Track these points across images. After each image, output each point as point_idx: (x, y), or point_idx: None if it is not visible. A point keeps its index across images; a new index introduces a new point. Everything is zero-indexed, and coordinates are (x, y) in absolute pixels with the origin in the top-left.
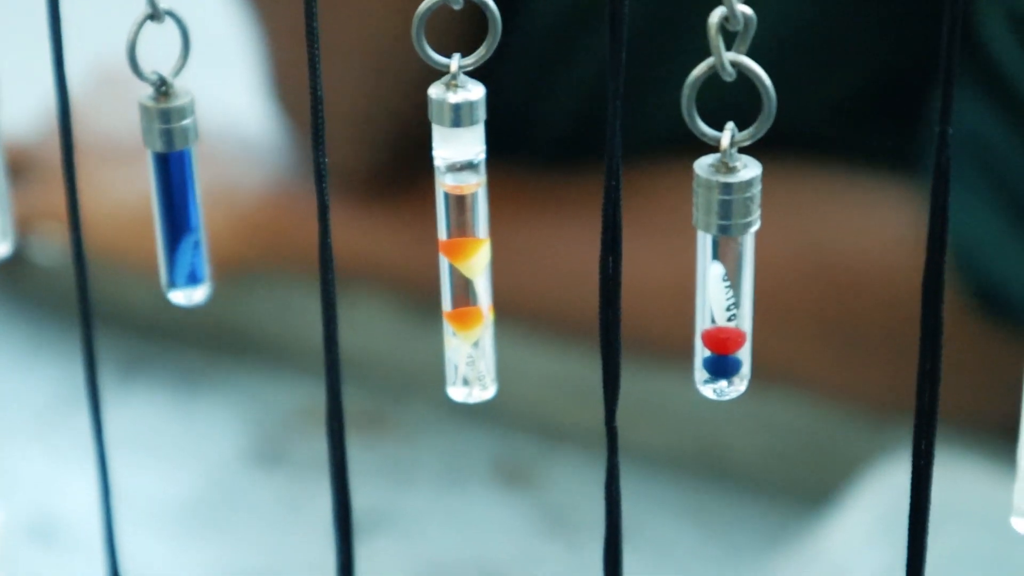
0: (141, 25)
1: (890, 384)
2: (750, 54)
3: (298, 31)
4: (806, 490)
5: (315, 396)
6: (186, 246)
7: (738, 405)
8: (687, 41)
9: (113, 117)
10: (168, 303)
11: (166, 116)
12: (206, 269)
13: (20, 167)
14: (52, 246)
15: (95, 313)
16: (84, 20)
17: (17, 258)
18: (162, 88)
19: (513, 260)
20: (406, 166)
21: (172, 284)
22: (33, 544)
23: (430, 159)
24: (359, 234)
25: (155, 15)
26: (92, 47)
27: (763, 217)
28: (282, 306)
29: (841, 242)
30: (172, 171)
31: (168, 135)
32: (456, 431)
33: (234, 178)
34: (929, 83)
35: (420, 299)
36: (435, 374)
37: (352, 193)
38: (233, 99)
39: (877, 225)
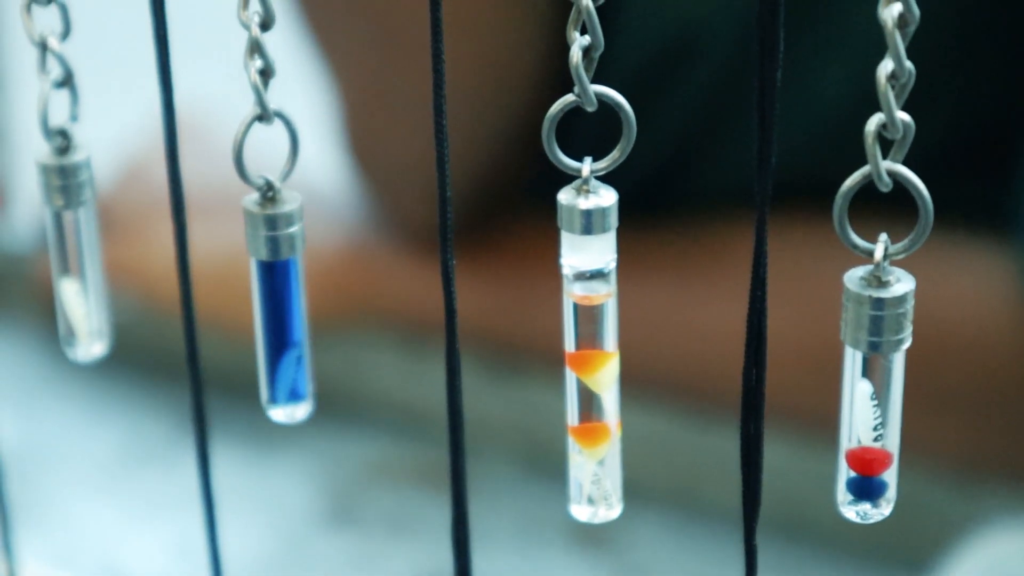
0: (249, 126)
1: (987, 449)
2: (828, 101)
3: (371, 86)
4: (901, 558)
5: (387, 452)
6: (288, 361)
7: (826, 467)
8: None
9: (186, 169)
10: (239, 358)
11: (272, 223)
12: (309, 385)
13: None
14: (122, 300)
15: (165, 367)
16: (149, 71)
17: None
18: (268, 193)
19: None
20: (483, 220)
21: (272, 401)
22: None
23: (506, 212)
24: (432, 288)
25: (264, 116)
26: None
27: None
28: (354, 361)
29: (933, 302)
30: (276, 281)
31: (274, 243)
32: (533, 489)
33: (307, 234)
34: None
35: (498, 354)
36: (512, 431)
37: (425, 247)
38: (305, 153)
39: (971, 284)
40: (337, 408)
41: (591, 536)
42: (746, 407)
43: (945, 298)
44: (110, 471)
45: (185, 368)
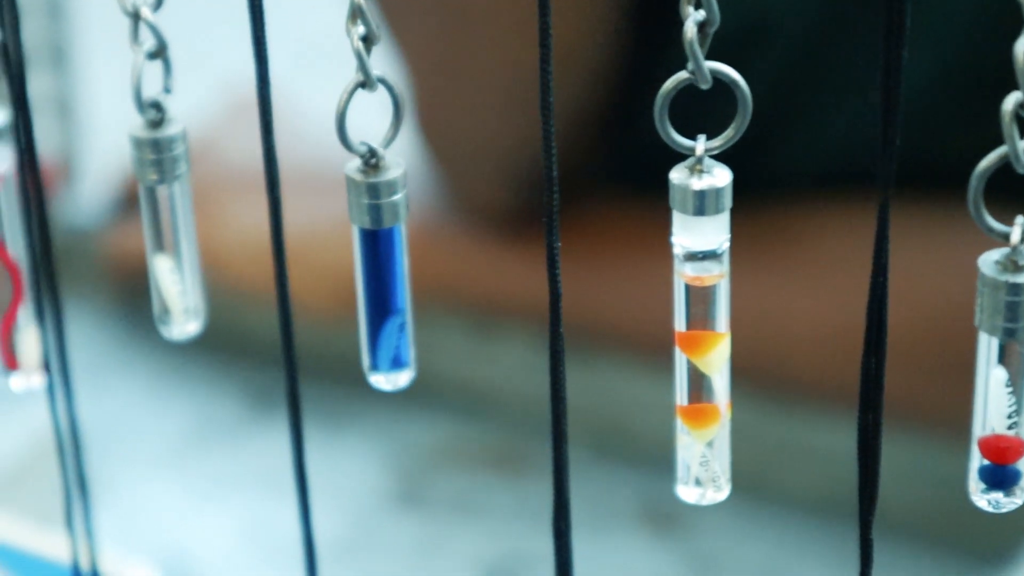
0: (352, 93)
1: None
2: (915, 87)
3: (441, 66)
4: (979, 549)
5: (455, 435)
6: (391, 329)
7: (904, 454)
8: (836, 74)
9: (247, 146)
10: (304, 336)
11: (375, 191)
12: (411, 352)
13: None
14: None
15: (232, 346)
16: (215, 47)
17: (148, 290)
18: (371, 160)
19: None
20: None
21: (375, 367)
22: None
23: (577, 194)
24: (503, 271)
25: (367, 83)
26: (224, 74)
27: (934, 262)
28: (423, 343)
29: None
30: (380, 249)
31: (376, 211)
32: (601, 473)
33: None
34: None
35: (569, 336)
36: (579, 414)
37: (493, 229)
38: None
39: None
40: (406, 390)
41: (661, 520)
42: (864, 398)
43: None
44: (178, 451)
45: (258, 346)
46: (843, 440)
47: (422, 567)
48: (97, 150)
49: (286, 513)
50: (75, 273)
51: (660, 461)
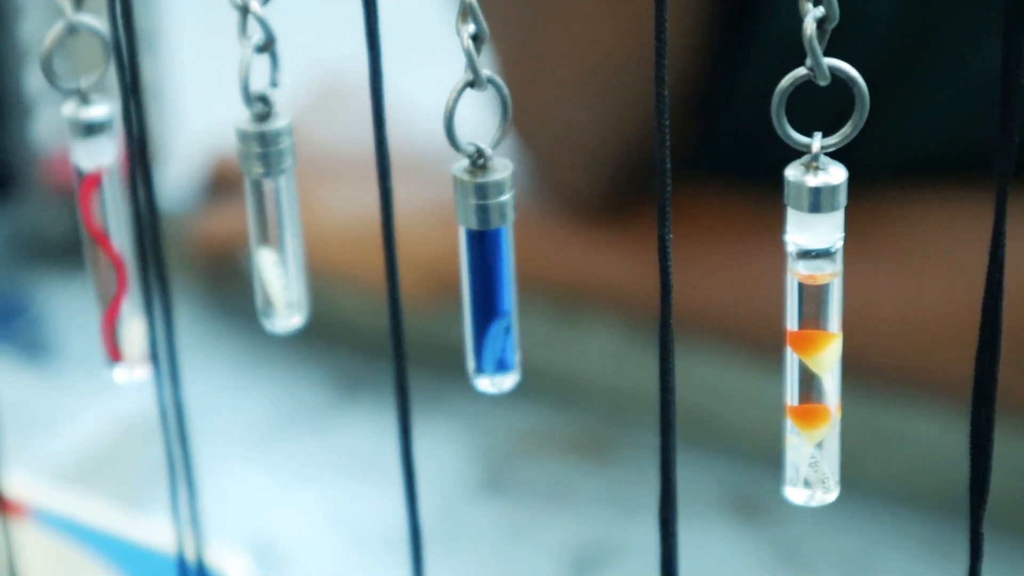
0: (461, 92)
1: None
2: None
3: (529, 55)
4: None
5: (541, 422)
6: (496, 331)
7: (1006, 446)
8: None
9: (335, 132)
10: (386, 320)
11: (483, 191)
12: (516, 355)
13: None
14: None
15: (318, 331)
16: (303, 32)
17: (234, 274)
18: (479, 161)
19: (753, 284)
20: (633, 188)
21: (479, 370)
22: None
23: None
24: (587, 256)
25: (476, 82)
26: (311, 60)
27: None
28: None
29: None
30: (486, 250)
31: (484, 212)
32: (689, 460)
33: None
34: None
35: (648, 323)
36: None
37: (579, 215)
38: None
39: None
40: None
41: (746, 509)
42: (977, 393)
43: None
44: (265, 435)
45: (343, 332)
46: (937, 430)
47: (508, 554)
48: (184, 135)
49: (372, 498)
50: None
51: (749, 451)
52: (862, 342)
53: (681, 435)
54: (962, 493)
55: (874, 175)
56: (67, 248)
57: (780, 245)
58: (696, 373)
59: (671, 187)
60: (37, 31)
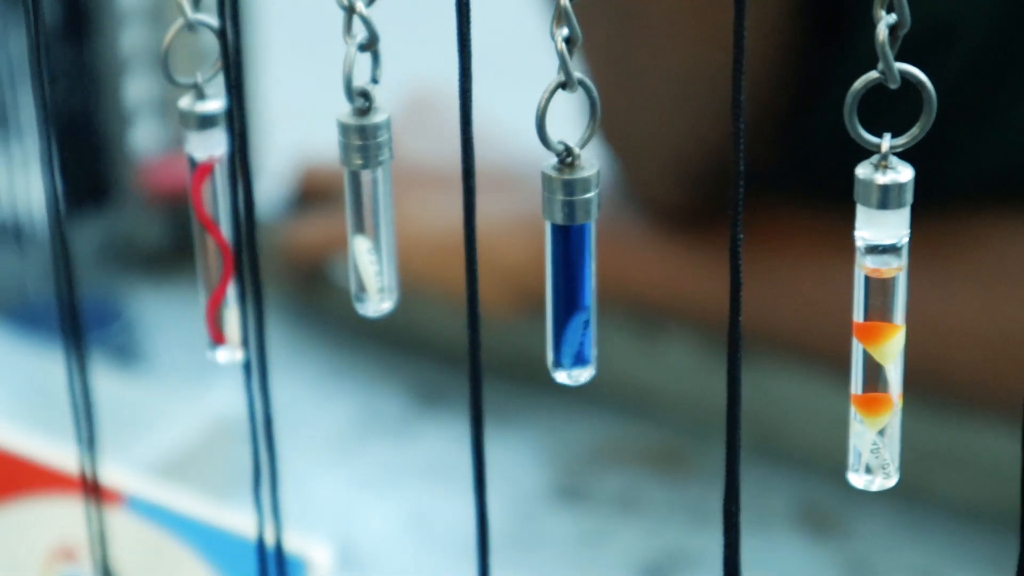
0: (552, 92)
1: None
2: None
3: (619, 65)
4: None
5: (615, 432)
6: (576, 324)
7: None
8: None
9: (423, 144)
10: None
11: (570, 188)
12: (594, 350)
13: (330, 189)
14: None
15: (402, 341)
16: (397, 44)
17: (322, 283)
18: (567, 159)
19: (828, 302)
20: (716, 201)
21: (558, 364)
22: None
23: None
24: (669, 268)
25: (568, 84)
26: (404, 72)
27: None
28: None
29: None
30: (571, 245)
31: (570, 207)
32: (759, 473)
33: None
34: None
35: (726, 336)
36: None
37: (663, 226)
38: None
39: None
40: (572, 387)
41: (817, 521)
42: None
43: None
44: (345, 442)
45: (423, 342)
46: (1004, 446)
47: (583, 562)
48: (275, 148)
49: (451, 504)
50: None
51: (820, 462)
52: (936, 356)
53: (753, 449)
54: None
55: (956, 192)
56: (161, 256)
57: (854, 266)
58: (769, 388)
59: (743, 190)
60: (136, 42)
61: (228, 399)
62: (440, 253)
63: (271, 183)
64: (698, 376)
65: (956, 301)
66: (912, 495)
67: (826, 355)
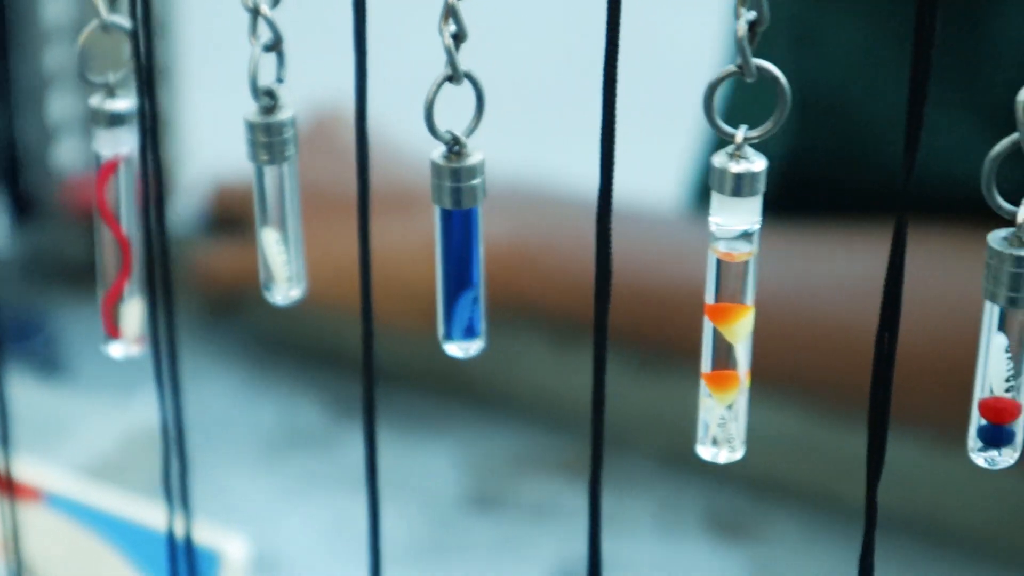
0: (440, 86)
1: None
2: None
3: None
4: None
5: (531, 441)
6: (465, 301)
7: (960, 469)
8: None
9: (326, 168)
10: (392, 349)
11: (456, 175)
12: (483, 324)
13: (245, 210)
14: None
15: (318, 358)
16: (296, 67)
17: (238, 308)
18: (455, 147)
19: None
20: None
21: (448, 337)
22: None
23: None
24: (583, 283)
25: (454, 77)
26: (309, 93)
27: None
28: (506, 353)
29: None
30: (460, 228)
31: (458, 193)
32: (671, 482)
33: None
34: None
35: (644, 350)
36: (651, 424)
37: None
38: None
39: None
40: (488, 397)
41: (726, 527)
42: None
43: None
44: (267, 451)
45: (338, 358)
46: (907, 452)
47: (500, 568)
48: (194, 167)
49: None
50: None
51: (731, 470)
52: (838, 368)
53: (665, 457)
54: (945, 522)
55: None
56: (83, 270)
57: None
58: (683, 397)
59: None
60: (59, 60)
61: (148, 409)
62: (345, 273)
63: (186, 199)
64: (612, 387)
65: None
66: (819, 502)
67: (756, 367)
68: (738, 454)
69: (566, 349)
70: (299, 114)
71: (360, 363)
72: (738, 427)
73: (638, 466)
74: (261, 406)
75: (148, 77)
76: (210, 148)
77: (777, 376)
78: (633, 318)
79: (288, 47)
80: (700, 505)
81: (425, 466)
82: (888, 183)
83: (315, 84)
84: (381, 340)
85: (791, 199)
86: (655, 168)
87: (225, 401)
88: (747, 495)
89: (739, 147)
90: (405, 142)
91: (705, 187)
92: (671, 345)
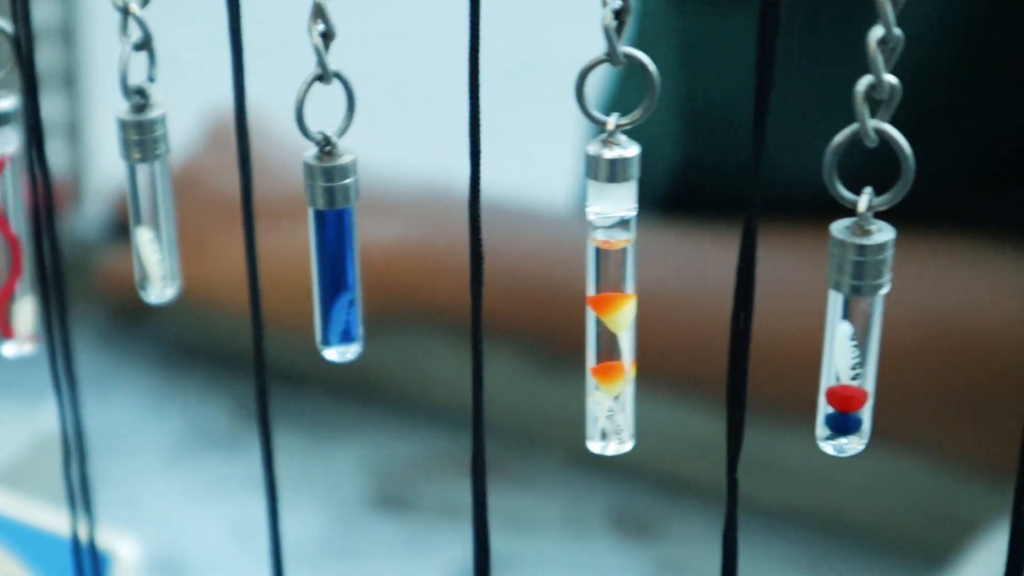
0: (309, 85)
1: (1009, 448)
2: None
3: None
4: (925, 550)
5: (437, 442)
6: (342, 304)
7: (859, 464)
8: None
9: (226, 175)
10: (294, 353)
11: (329, 175)
12: (360, 328)
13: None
14: (185, 302)
15: (222, 363)
16: (195, 76)
17: (145, 304)
18: (326, 148)
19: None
20: None
21: (326, 342)
22: None
23: None
24: (492, 283)
25: (324, 76)
26: (203, 104)
27: (892, 282)
28: (407, 354)
29: (966, 309)
30: (332, 229)
31: (330, 193)
32: (577, 482)
33: (368, 233)
34: None
35: (548, 350)
36: (558, 424)
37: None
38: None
39: (1002, 294)
40: (390, 398)
41: (631, 525)
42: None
43: (978, 300)
44: (174, 456)
45: (244, 363)
46: (813, 450)
47: (405, 569)
48: (101, 173)
49: (279, 514)
50: (79, 286)
51: (636, 469)
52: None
53: (570, 456)
54: (842, 516)
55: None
56: None
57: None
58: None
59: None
60: None
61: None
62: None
63: (93, 204)
64: (518, 387)
65: (767, 312)
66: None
67: (648, 364)
68: (627, 446)
69: (466, 348)
70: (200, 118)
71: (270, 367)
72: (626, 418)
73: (544, 465)
74: (169, 411)
75: (30, 71)
76: (117, 154)
77: (679, 373)
78: (536, 318)
79: (184, 51)
80: (605, 504)
81: (329, 467)
82: (772, 188)
83: (215, 88)
84: (286, 343)
85: (682, 206)
86: (554, 168)
87: (133, 406)
88: (652, 493)
89: (611, 134)
90: (295, 143)
91: None
92: (575, 344)
